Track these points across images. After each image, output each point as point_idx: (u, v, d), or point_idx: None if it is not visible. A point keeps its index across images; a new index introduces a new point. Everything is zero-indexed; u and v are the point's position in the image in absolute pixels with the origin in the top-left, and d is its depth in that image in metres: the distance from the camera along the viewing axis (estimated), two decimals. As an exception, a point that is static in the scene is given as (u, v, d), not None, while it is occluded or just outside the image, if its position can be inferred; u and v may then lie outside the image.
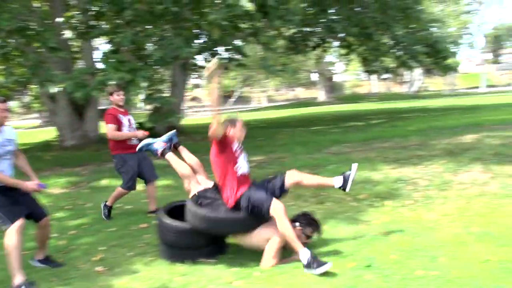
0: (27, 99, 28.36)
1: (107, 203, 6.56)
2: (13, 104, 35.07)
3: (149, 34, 10.27)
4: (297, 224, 4.41)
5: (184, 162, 5.00)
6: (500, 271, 3.67)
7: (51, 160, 12.18)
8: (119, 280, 4.35)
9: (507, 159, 7.51)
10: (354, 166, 4.56)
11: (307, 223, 4.46)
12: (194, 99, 57.97)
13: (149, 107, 14.23)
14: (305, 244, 4.19)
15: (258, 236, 4.36)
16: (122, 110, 6.47)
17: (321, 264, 3.86)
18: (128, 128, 6.41)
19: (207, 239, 4.58)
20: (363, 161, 8.31)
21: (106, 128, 6.39)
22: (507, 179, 6.48)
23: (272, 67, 12.15)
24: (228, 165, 4.43)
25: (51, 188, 8.76)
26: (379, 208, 5.89)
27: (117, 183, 8.67)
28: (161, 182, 8.54)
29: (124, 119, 6.40)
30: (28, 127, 30.99)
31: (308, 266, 3.92)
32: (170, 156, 5.09)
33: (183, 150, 5.23)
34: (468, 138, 9.99)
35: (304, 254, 3.99)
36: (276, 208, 4.14)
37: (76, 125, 14.29)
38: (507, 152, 7.94)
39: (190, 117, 32.01)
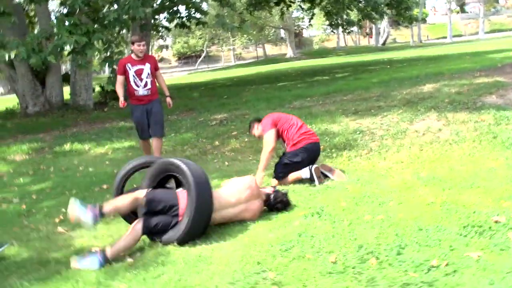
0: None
1: None
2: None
3: (104, -5, 10.04)
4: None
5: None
6: (441, 212, 3.85)
7: (13, 128, 12.02)
8: (80, 239, 4.45)
9: (460, 106, 7.72)
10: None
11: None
12: (161, 60, 57.20)
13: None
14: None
15: None
16: (136, 59, 6.45)
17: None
18: (135, 78, 6.41)
19: None
20: (324, 114, 8.45)
21: None
22: (459, 126, 6.69)
23: (228, 24, 12.03)
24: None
25: (13, 155, 8.71)
26: (336, 159, 6.05)
27: (78, 147, 8.72)
28: (126, 143, 8.60)
29: (132, 70, 6.41)
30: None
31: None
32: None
33: None
34: (427, 87, 10.16)
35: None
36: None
37: (38, 92, 14.04)
38: (462, 100, 8.14)
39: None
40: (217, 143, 7.73)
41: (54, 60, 9.62)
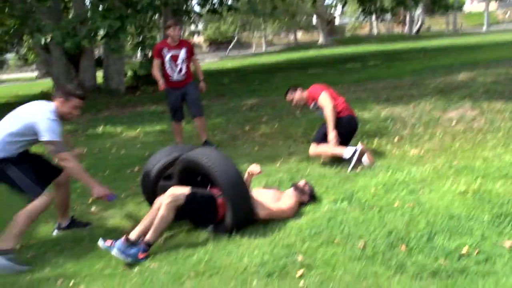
0: (22, 51, 28.08)
1: (205, 140, 6.80)
2: (9, 56, 34.88)
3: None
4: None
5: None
6: (474, 201, 3.80)
7: (48, 110, 12.26)
8: (112, 219, 4.55)
9: (496, 95, 7.56)
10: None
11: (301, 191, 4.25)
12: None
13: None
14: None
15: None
16: (173, 44, 6.54)
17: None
18: (170, 63, 6.51)
19: None
20: (355, 101, 8.36)
21: None
22: (494, 115, 6.55)
23: (260, 10, 11.98)
24: None
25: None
26: (366, 146, 5.98)
27: (111, 130, 8.87)
28: (157, 127, 8.71)
29: (168, 54, 6.49)
30: (26, 79, 30.88)
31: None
32: None
33: None
34: (462, 76, 9.98)
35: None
36: None
37: (72, 75, 14.26)
38: (498, 89, 7.97)
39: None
40: (247, 128, 7.76)
41: (88, 44, 9.78)
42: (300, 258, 3.19)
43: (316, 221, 3.75)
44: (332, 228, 3.59)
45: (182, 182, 3.99)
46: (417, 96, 8.36)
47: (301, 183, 4.32)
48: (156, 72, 6.60)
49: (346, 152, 5.09)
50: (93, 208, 4.89)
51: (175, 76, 6.57)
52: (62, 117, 3.88)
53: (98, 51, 25.78)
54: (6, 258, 3.56)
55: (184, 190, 3.71)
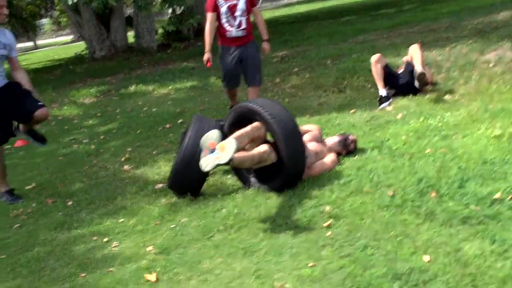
0: (55, 14, 28.34)
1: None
2: (44, 21, 35.31)
3: None
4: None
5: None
6: (509, 145, 3.66)
7: (82, 72, 12.42)
8: (144, 176, 4.62)
9: (538, 34, 7.19)
10: None
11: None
12: None
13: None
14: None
15: None
16: None
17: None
18: (227, 15, 5.35)
19: None
20: (388, 48, 8.14)
21: None
22: (535, 55, 6.25)
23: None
24: None
25: (83, 98, 9.07)
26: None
27: (143, 88, 8.92)
28: (188, 84, 8.71)
29: (224, 6, 5.32)
30: (61, 43, 31.29)
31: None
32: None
33: None
34: (502, 15, 9.50)
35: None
36: None
37: (104, 36, 14.33)
38: (540, 27, 7.58)
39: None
40: (277, 80, 7.66)
41: (115, 2, 9.73)
42: (328, 208, 3.17)
43: (345, 171, 3.71)
44: (362, 177, 3.54)
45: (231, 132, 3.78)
46: (453, 39, 8.03)
47: (351, 137, 4.11)
48: (208, 33, 5.43)
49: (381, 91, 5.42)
50: (126, 166, 4.96)
51: (234, 32, 5.40)
52: None
53: (129, 11, 25.78)
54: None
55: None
